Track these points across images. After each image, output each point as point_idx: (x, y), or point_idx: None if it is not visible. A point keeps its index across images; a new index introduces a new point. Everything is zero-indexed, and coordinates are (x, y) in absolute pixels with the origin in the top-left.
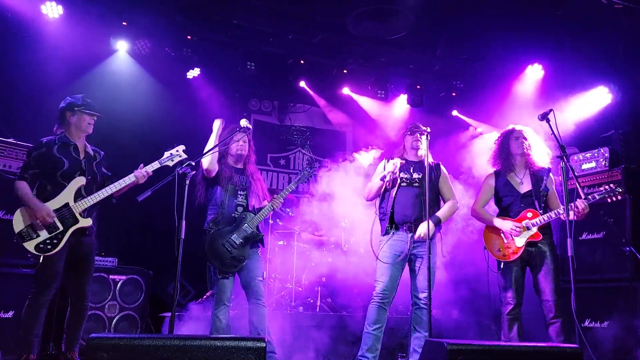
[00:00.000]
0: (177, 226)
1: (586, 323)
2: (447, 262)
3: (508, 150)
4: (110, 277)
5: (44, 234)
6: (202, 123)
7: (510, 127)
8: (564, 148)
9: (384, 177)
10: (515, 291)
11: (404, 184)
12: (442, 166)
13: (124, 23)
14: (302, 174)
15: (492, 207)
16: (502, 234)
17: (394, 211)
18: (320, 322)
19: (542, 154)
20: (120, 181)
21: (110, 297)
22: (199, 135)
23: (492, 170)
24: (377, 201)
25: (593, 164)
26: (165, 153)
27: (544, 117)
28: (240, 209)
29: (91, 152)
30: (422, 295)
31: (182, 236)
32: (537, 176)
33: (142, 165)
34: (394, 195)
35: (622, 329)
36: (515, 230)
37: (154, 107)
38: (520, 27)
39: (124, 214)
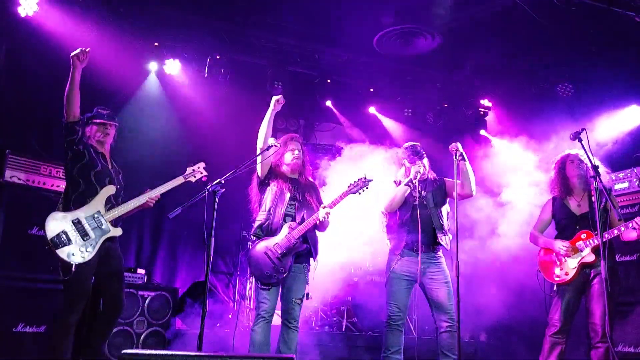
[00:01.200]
0: (206, 243)
1: (619, 347)
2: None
3: (565, 174)
4: (139, 293)
5: (77, 242)
6: (230, 140)
7: (565, 152)
8: (597, 168)
9: (411, 181)
10: (562, 314)
11: (416, 203)
12: (445, 179)
13: (155, 44)
14: (356, 184)
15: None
16: (555, 257)
17: (408, 231)
18: (346, 342)
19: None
20: (159, 187)
21: (138, 312)
22: (227, 152)
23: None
24: (385, 221)
25: (626, 184)
26: (187, 169)
27: (576, 136)
28: (288, 218)
29: (115, 165)
30: (447, 317)
31: (212, 253)
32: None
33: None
34: (407, 215)
35: None
36: (562, 248)
37: (183, 125)
38: (549, 45)
39: (155, 228)
